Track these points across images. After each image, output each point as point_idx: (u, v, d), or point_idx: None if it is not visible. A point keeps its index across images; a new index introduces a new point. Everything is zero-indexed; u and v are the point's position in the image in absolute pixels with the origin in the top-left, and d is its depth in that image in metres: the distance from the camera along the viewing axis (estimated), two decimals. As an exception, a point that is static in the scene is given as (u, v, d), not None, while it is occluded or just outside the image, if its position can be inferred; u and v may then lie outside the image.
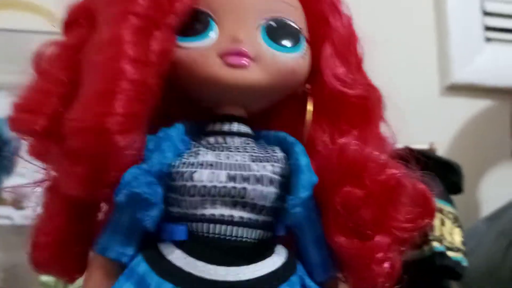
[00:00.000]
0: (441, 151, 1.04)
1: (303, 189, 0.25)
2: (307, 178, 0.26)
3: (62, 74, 0.25)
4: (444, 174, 0.59)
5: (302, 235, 0.28)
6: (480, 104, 1.10)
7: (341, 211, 0.27)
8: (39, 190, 0.77)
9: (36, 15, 0.93)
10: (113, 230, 0.26)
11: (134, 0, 0.23)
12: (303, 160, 0.26)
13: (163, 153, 0.25)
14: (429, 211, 0.29)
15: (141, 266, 0.25)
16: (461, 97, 1.11)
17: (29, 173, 0.91)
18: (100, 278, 0.26)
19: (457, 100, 1.11)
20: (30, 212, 0.81)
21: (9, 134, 1.20)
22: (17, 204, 0.98)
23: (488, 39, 1.16)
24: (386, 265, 0.27)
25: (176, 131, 0.27)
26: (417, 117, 1.03)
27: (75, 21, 0.26)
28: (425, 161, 0.57)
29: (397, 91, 0.99)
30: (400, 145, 0.61)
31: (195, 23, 0.27)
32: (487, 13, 1.19)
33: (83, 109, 0.22)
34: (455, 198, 0.66)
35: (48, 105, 0.24)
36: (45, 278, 0.68)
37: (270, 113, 0.32)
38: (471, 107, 1.10)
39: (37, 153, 0.27)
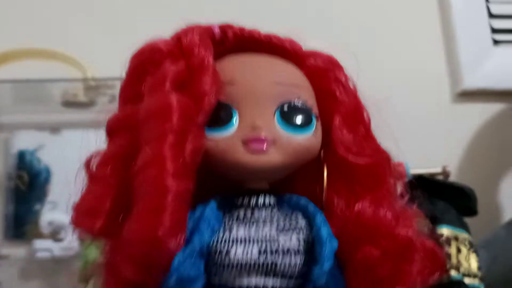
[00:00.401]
0: (457, 159, 1.05)
1: (326, 260, 0.29)
2: (329, 248, 0.29)
3: (110, 179, 0.29)
4: (457, 199, 0.62)
5: (329, 292, 0.32)
6: (493, 109, 1.10)
7: (360, 270, 0.31)
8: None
9: (59, 62, 0.98)
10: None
11: (169, 118, 0.27)
12: (324, 231, 0.30)
13: (202, 234, 0.29)
14: (439, 265, 0.32)
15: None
16: (473, 103, 1.12)
17: (60, 201, 0.97)
18: None
19: (469, 106, 1.12)
20: (67, 243, 0.86)
21: (40, 165, 1.27)
22: (55, 236, 1.04)
23: (496, 42, 1.16)
24: None
25: (210, 210, 0.31)
26: (431, 126, 1.06)
27: (117, 131, 0.31)
28: (438, 188, 0.61)
29: (408, 101, 1.03)
30: (414, 169, 0.64)
31: (219, 114, 0.31)
32: (493, 16, 1.19)
33: (138, 223, 0.26)
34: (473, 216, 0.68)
35: (103, 207, 0.28)
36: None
37: (290, 178, 0.36)
38: (484, 112, 1.10)
39: (90, 238, 0.32)
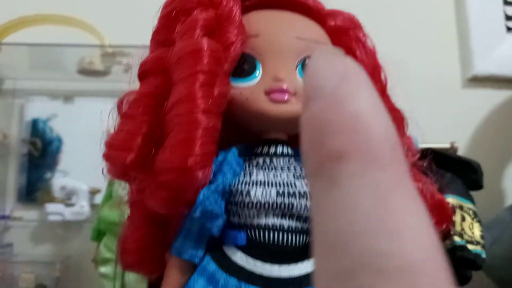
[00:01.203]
0: (465, 143, 1.06)
1: None
2: None
3: (143, 117, 0.31)
4: (464, 173, 0.63)
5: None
6: (502, 95, 1.11)
7: None
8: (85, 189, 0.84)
9: (76, 28, 1.00)
10: (186, 236, 0.32)
11: (200, 60, 0.29)
12: None
13: (224, 175, 0.31)
14: (446, 218, 0.34)
15: (210, 265, 0.31)
16: (483, 89, 1.13)
17: (71, 170, 1.00)
18: (177, 275, 0.32)
19: (479, 92, 1.13)
20: (78, 208, 0.89)
21: (52, 134, 1.29)
22: (66, 201, 1.07)
23: (510, 29, 1.16)
24: None
25: (232, 155, 0.33)
26: (441, 110, 1.07)
27: (150, 72, 0.32)
28: (447, 161, 0.62)
29: (419, 85, 1.04)
30: (424, 144, 0.66)
31: (244, 65, 0.33)
32: (507, 2, 1.19)
33: (170, 152, 0.28)
34: (479, 190, 0.70)
35: (135, 143, 0.30)
36: (104, 269, 0.76)
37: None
38: (493, 98, 1.11)
39: (119, 175, 0.34)
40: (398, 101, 0.39)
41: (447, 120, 1.05)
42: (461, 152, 0.89)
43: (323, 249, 0.12)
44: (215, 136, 0.30)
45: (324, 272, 0.12)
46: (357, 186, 0.12)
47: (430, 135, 0.78)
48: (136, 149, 0.30)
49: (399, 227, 0.11)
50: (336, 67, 0.13)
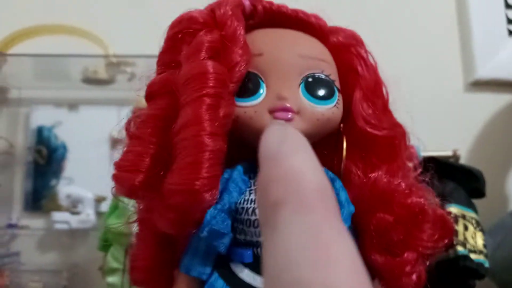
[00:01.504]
0: (468, 147, 1.07)
1: (344, 221, 0.31)
2: (346, 210, 0.32)
3: (151, 138, 0.32)
4: (467, 181, 0.64)
5: (343, 254, 0.34)
6: (505, 99, 1.11)
7: (375, 234, 0.33)
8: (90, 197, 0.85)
9: (81, 38, 1.01)
10: (194, 254, 0.33)
11: (206, 83, 0.30)
12: (343, 195, 0.32)
13: (230, 193, 0.32)
14: (448, 233, 0.35)
15: (218, 282, 0.32)
16: (485, 93, 1.13)
17: (76, 177, 1.01)
18: None
19: (481, 96, 1.13)
20: (84, 216, 0.90)
21: (57, 141, 1.30)
22: (72, 210, 1.08)
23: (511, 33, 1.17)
24: (413, 277, 0.33)
25: (237, 173, 0.34)
26: (443, 114, 1.07)
27: (157, 94, 0.33)
28: (449, 169, 0.63)
29: (421, 89, 1.05)
30: (426, 152, 0.66)
31: (248, 84, 0.33)
32: (510, 6, 1.19)
33: (178, 176, 0.29)
34: (481, 198, 0.70)
35: (143, 164, 0.31)
36: (111, 279, 0.76)
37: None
38: (496, 103, 1.11)
39: (127, 195, 0.34)
40: (400, 112, 0.39)
41: (450, 125, 1.05)
42: (463, 158, 0.89)
43: (265, 282, 0.14)
44: (221, 158, 0.30)
45: None
46: (291, 228, 0.14)
47: (432, 140, 0.79)
48: (144, 170, 0.31)
49: (322, 259, 0.13)
50: (278, 134, 0.17)
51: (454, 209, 0.59)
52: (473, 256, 0.55)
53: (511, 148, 1.08)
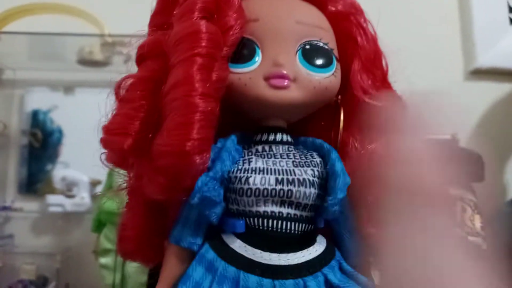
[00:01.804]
0: (467, 136, 1.06)
1: (340, 191, 0.30)
2: (342, 181, 0.31)
3: (141, 101, 0.30)
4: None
5: (338, 227, 0.33)
6: (505, 88, 1.10)
7: (371, 207, 0.32)
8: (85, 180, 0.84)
9: (76, 18, 0.99)
10: (184, 224, 0.32)
11: (198, 43, 0.29)
12: (338, 165, 0.31)
13: (223, 162, 0.31)
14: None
15: (209, 253, 0.31)
16: (486, 81, 1.12)
17: (72, 162, 0.99)
18: (175, 263, 0.32)
19: (481, 85, 1.12)
20: (79, 200, 0.89)
21: (52, 126, 1.28)
22: (67, 193, 1.07)
23: (513, 21, 1.16)
24: None
25: (231, 142, 0.32)
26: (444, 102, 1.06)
27: (148, 56, 0.32)
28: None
29: (421, 77, 1.03)
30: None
31: (243, 50, 0.32)
32: (512, -6, 1.18)
33: (168, 136, 0.27)
34: (480, 182, 0.69)
35: (132, 127, 0.30)
36: (104, 260, 0.75)
37: (307, 121, 0.37)
38: (496, 91, 1.10)
39: (117, 162, 0.33)
40: (399, 87, 0.38)
41: (450, 113, 1.04)
42: (462, 144, 0.88)
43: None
44: (213, 121, 0.29)
45: None
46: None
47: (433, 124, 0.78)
48: (134, 133, 0.30)
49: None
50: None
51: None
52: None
53: (511, 138, 1.07)
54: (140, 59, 0.32)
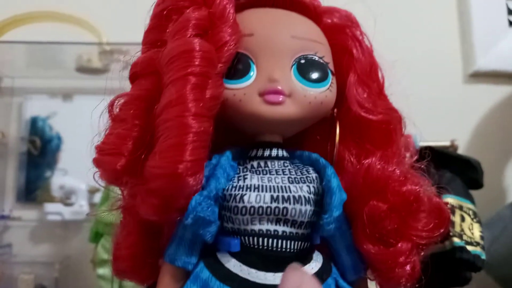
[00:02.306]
0: (466, 139, 1.05)
1: (335, 208, 0.30)
2: (338, 198, 0.30)
3: (134, 121, 0.30)
4: (464, 171, 0.62)
5: (335, 243, 0.33)
6: (504, 91, 1.10)
7: (368, 222, 0.31)
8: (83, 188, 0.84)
9: (74, 26, 0.99)
10: (179, 243, 0.31)
11: (191, 62, 0.28)
12: (334, 182, 0.31)
13: (218, 179, 0.30)
14: (444, 221, 0.33)
15: (203, 272, 0.30)
16: (485, 84, 1.12)
17: (71, 168, 0.99)
18: (170, 282, 0.31)
19: (481, 87, 1.11)
20: (77, 208, 0.89)
21: (51, 132, 1.28)
22: (65, 201, 1.06)
23: (512, 24, 1.15)
24: (407, 267, 0.32)
25: (226, 159, 0.32)
26: (442, 106, 1.06)
27: (141, 74, 0.31)
28: (446, 159, 0.61)
29: (420, 80, 1.03)
30: (424, 142, 0.65)
31: (237, 66, 0.32)
32: (510, -3, 1.17)
33: (160, 158, 0.27)
34: (479, 189, 0.69)
35: (125, 147, 0.29)
36: (102, 271, 0.75)
37: (303, 135, 0.37)
38: (495, 94, 1.10)
39: (111, 181, 0.33)
40: (397, 99, 0.38)
41: (448, 116, 1.04)
42: (461, 149, 0.88)
43: None
44: (206, 141, 0.29)
45: None
46: None
47: (430, 132, 0.77)
48: (127, 154, 0.29)
49: None
50: (295, 281, 0.20)
51: (451, 199, 0.58)
52: (469, 248, 0.54)
53: (510, 140, 1.07)
54: (134, 77, 0.32)
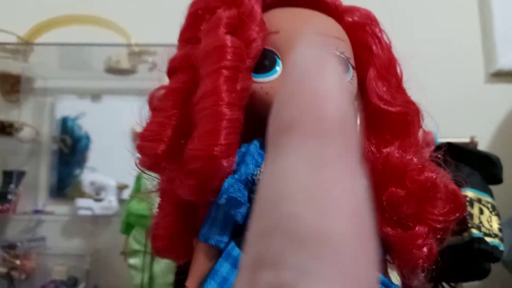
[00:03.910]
0: (487, 137, 1.06)
1: None
2: None
3: (173, 110, 0.33)
4: (483, 166, 0.63)
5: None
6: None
7: (387, 207, 0.34)
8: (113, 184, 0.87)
9: (104, 28, 1.03)
10: (212, 223, 0.34)
11: (224, 56, 0.31)
12: None
13: (247, 165, 0.33)
14: (459, 207, 0.35)
15: (235, 250, 0.33)
16: (506, 83, 1.12)
17: (99, 166, 1.04)
18: (204, 259, 0.34)
19: (502, 87, 1.11)
20: (107, 203, 0.93)
21: (80, 132, 1.33)
22: (95, 196, 1.11)
23: (535, 22, 1.15)
24: (424, 249, 0.34)
25: (254, 147, 0.35)
26: (463, 104, 1.06)
27: (178, 68, 0.34)
28: (465, 155, 0.62)
29: (442, 79, 1.04)
30: (444, 139, 0.66)
31: (264, 61, 0.34)
32: (534, -5, 1.17)
33: (198, 142, 0.30)
34: (498, 184, 0.69)
35: (165, 134, 0.33)
36: (133, 260, 0.79)
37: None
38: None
39: (150, 166, 0.36)
40: (416, 94, 0.40)
41: (469, 114, 1.04)
42: (481, 147, 0.88)
43: (256, 211, 0.12)
44: (238, 128, 0.32)
45: (251, 231, 0.12)
46: (296, 154, 0.12)
47: (451, 128, 0.79)
48: (167, 140, 0.32)
49: (322, 197, 0.11)
50: (311, 52, 0.14)
51: (469, 193, 0.59)
52: (488, 239, 0.55)
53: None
54: (171, 71, 0.35)
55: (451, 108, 1.03)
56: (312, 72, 0.13)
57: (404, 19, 1.05)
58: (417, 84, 0.40)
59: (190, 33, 0.35)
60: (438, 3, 1.16)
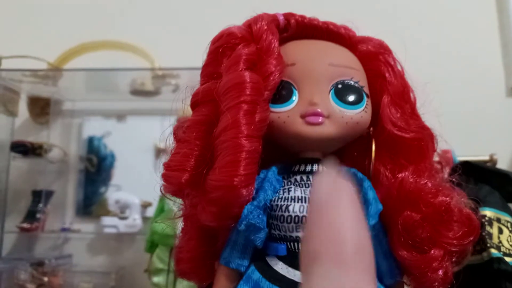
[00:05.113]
0: (507, 155, 1.04)
1: (371, 217, 0.33)
2: (374, 208, 0.34)
3: (196, 141, 0.35)
4: (502, 185, 0.63)
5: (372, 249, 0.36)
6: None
7: (402, 231, 0.35)
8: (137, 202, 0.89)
9: (129, 53, 1.08)
10: (233, 247, 0.36)
11: (243, 91, 0.33)
12: (371, 194, 0.35)
13: (266, 191, 0.35)
14: (474, 230, 0.36)
15: (255, 274, 0.35)
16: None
17: (123, 184, 1.06)
18: (225, 282, 0.36)
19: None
20: (131, 221, 0.95)
21: (106, 151, 1.37)
22: (120, 215, 1.14)
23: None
24: (440, 272, 0.35)
25: (272, 173, 0.36)
26: (484, 120, 1.06)
27: (201, 102, 0.37)
28: (484, 173, 0.62)
29: (463, 95, 1.04)
30: (463, 157, 0.66)
31: (281, 92, 0.36)
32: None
33: (219, 173, 0.32)
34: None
35: (189, 164, 0.35)
36: (157, 279, 0.80)
37: (342, 152, 0.40)
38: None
39: (174, 193, 0.38)
40: (433, 116, 0.41)
41: (489, 131, 1.04)
42: (503, 163, 0.88)
43: None
44: (256, 158, 0.33)
45: None
46: (324, 285, 0.15)
47: (470, 146, 0.79)
48: (190, 169, 0.34)
49: None
50: (327, 185, 0.17)
51: (488, 212, 0.59)
52: (508, 259, 0.55)
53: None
54: (195, 105, 0.37)
55: (470, 126, 1.02)
56: (328, 204, 0.16)
57: (423, 35, 1.06)
58: (434, 105, 0.41)
59: (211, 69, 0.37)
60: (459, 18, 1.16)
